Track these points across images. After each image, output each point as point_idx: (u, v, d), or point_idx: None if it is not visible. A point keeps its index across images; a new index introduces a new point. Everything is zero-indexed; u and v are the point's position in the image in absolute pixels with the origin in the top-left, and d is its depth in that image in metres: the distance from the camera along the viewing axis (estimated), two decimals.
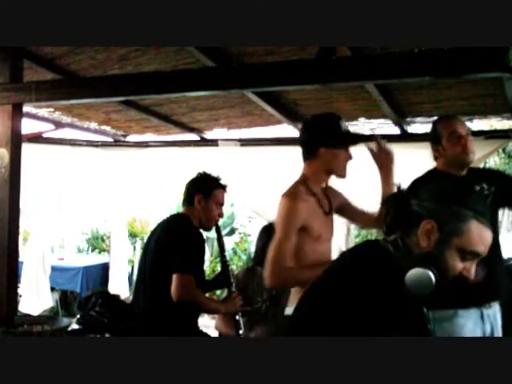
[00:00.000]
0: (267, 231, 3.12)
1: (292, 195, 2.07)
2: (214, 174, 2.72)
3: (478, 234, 1.30)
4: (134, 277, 5.80)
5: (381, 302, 1.29)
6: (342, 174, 2.17)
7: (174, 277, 2.39)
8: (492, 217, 2.15)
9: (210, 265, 7.17)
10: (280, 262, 1.98)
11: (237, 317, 2.68)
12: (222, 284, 2.82)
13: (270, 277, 1.99)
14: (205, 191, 2.64)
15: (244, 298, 2.77)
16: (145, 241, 2.98)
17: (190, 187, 2.70)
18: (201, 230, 2.65)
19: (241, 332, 2.66)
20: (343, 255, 1.56)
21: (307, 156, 2.17)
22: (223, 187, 2.70)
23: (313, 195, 2.12)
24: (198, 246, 2.57)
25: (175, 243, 2.48)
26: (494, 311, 2.35)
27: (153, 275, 2.54)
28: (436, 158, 2.44)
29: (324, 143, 2.12)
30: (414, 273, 1.29)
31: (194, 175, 2.75)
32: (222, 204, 2.69)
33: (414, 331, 1.31)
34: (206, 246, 2.64)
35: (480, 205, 1.33)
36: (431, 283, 1.28)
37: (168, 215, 3.14)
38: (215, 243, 7.15)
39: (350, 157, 2.15)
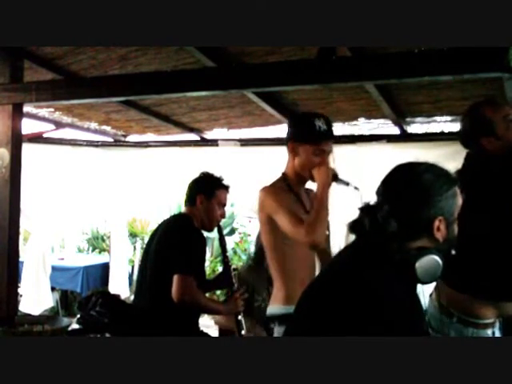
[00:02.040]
0: None
1: (268, 188, 2.07)
2: (217, 174, 2.71)
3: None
4: (134, 277, 5.80)
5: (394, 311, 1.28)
6: (306, 176, 2.11)
7: (175, 277, 2.38)
8: None
9: (210, 265, 7.17)
10: (297, 224, 1.93)
11: (239, 317, 2.67)
12: (223, 284, 2.81)
13: (309, 234, 1.92)
14: (207, 191, 2.63)
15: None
16: (145, 241, 2.98)
17: (193, 187, 2.69)
18: (202, 231, 2.65)
19: (243, 332, 2.65)
20: (342, 258, 1.48)
21: (288, 152, 2.17)
22: (226, 187, 2.69)
23: (292, 192, 2.11)
24: (199, 246, 2.56)
25: (176, 244, 2.48)
26: None
27: (154, 276, 2.54)
28: (485, 151, 2.07)
29: (291, 137, 2.13)
30: (425, 262, 1.32)
31: (195, 175, 2.74)
32: (224, 204, 2.68)
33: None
34: (206, 245, 2.64)
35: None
36: (439, 269, 1.33)
37: (169, 215, 3.13)
38: (215, 243, 7.15)
39: (319, 162, 2.06)
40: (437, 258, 1.33)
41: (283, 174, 2.16)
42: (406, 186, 1.37)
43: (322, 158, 2.07)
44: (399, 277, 1.32)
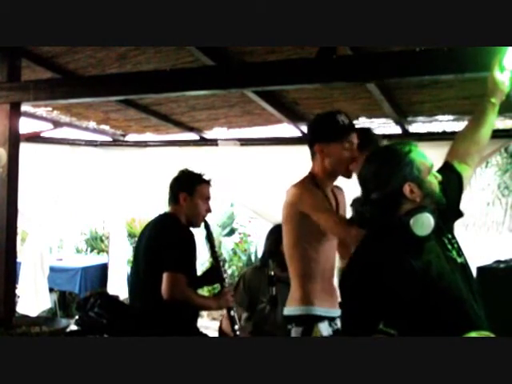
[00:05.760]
0: (275, 232, 3.11)
1: (297, 184, 2.12)
2: (197, 170, 2.73)
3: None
4: None
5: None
6: (342, 172, 2.16)
7: (165, 275, 2.42)
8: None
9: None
10: (338, 221, 2.02)
11: (232, 312, 2.69)
12: (214, 280, 2.83)
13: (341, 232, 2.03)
14: (188, 188, 2.65)
15: (250, 298, 2.77)
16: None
17: (174, 186, 2.72)
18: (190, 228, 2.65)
19: (236, 327, 2.66)
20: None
21: (311, 154, 2.20)
22: (207, 182, 2.70)
23: (320, 190, 2.14)
24: (187, 243, 2.58)
25: (164, 242, 2.51)
26: None
27: (146, 276, 2.56)
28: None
29: (317, 139, 2.16)
30: (416, 220, 1.50)
31: (177, 174, 2.76)
32: (207, 198, 2.70)
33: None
34: (196, 242, 2.64)
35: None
36: (431, 220, 1.50)
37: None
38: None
39: (351, 155, 2.13)
40: (424, 213, 1.50)
41: (310, 173, 2.19)
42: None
43: (352, 151, 2.13)
44: (399, 246, 1.51)
